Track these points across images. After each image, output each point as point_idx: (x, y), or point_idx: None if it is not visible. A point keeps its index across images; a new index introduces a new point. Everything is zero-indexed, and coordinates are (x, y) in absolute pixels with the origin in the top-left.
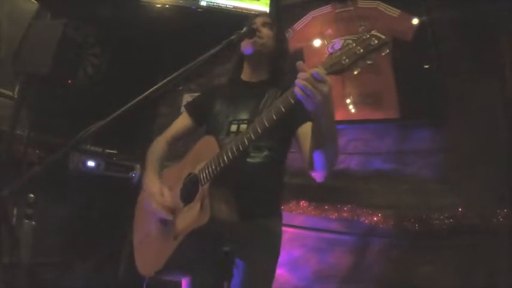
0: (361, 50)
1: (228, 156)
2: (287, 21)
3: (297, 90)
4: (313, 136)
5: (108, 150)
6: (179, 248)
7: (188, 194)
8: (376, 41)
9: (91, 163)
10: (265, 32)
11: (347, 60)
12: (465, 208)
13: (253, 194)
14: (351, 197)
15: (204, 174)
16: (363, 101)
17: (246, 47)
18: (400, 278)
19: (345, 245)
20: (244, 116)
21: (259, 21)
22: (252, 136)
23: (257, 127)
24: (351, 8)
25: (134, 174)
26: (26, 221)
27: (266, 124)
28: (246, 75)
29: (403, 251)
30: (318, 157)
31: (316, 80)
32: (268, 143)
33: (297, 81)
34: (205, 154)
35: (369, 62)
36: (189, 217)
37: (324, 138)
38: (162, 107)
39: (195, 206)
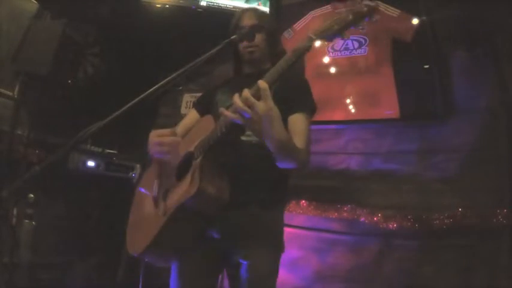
0: (350, 17)
1: (221, 129)
2: (287, 21)
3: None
4: None
5: (108, 150)
6: (167, 224)
7: (182, 170)
8: (365, 8)
9: (91, 163)
10: (257, 37)
11: (336, 27)
12: (465, 208)
13: (248, 177)
14: (351, 197)
15: (198, 149)
16: (363, 101)
17: (246, 58)
18: (400, 278)
19: (345, 245)
20: None
21: (248, 24)
22: None
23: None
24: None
25: (134, 174)
26: (26, 221)
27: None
28: (247, 69)
29: (403, 251)
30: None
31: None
32: None
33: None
34: (202, 131)
35: (360, 28)
36: (179, 192)
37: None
38: (162, 107)
39: (186, 180)
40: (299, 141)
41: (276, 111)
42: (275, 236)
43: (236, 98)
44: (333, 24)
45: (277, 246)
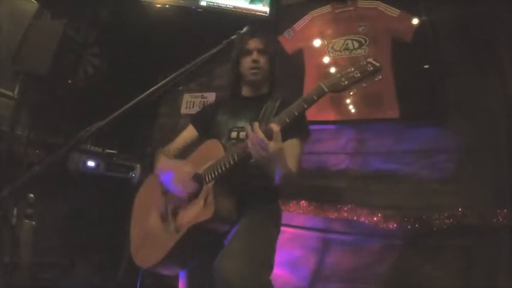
0: (358, 74)
1: (233, 159)
2: (287, 21)
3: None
4: None
5: (108, 150)
6: (181, 241)
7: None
8: (371, 68)
9: (91, 163)
10: (262, 60)
11: (346, 82)
12: (465, 208)
13: (255, 193)
14: (351, 197)
15: (209, 174)
16: (362, 101)
17: (249, 79)
18: (400, 278)
19: (345, 245)
20: (243, 124)
21: (254, 47)
22: None
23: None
24: (351, 8)
25: (134, 174)
26: (26, 221)
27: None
28: (246, 92)
29: (403, 251)
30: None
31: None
32: None
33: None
34: (210, 155)
35: (364, 85)
36: (192, 212)
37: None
38: (162, 107)
39: (199, 202)
40: (292, 165)
41: (283, 151)
42: (274, 214)
43: (251, 136)
44: (343, 80)
45: (273, 219)
